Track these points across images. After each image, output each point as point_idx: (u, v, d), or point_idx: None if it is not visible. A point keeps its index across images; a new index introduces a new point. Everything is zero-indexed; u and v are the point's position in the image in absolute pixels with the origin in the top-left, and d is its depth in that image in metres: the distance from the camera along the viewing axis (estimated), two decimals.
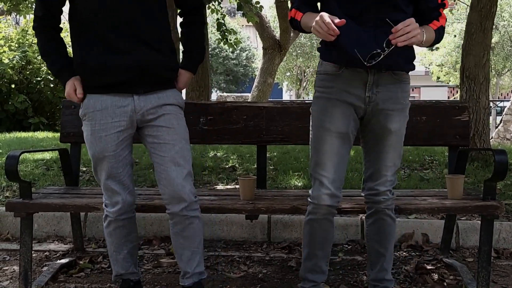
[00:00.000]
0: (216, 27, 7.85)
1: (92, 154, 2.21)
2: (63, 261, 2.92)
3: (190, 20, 2.37)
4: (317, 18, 1.93)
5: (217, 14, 7.66)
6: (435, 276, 2.74)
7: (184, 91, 6.33)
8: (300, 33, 15.77)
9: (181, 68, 2.34)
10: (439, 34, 2.10)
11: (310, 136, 2.19)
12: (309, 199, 2.20)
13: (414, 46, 2.07)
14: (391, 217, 2.27)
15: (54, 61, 2.24)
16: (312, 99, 2.23)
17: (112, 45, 2.12)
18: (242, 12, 7.17)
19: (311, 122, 2.20)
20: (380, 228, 2.28)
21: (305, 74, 25.65)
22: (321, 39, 2.11)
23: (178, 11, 2.42)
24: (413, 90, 27.02)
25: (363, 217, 3.35)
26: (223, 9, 7.93)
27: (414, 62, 2.16)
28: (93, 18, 2.12)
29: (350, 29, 1.98)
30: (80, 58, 2.17)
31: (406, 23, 1.90)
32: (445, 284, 2.65)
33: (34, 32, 2.28)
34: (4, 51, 9.65)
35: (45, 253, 3.16)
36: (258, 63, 20.86)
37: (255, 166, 3.86)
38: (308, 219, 2.22)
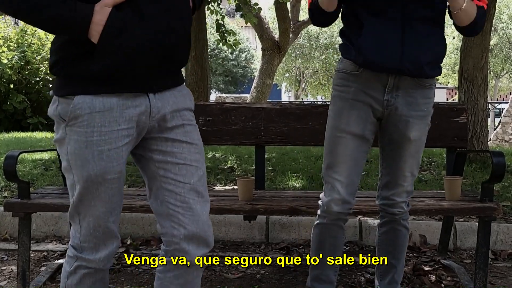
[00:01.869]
0: (215, 28, 7.86)
1: (85, 178, 1.46)
2: (61, 261, 2.91)
3: None
4: None
5: (216, 15, 7.66)
6: (433, 278, 2.74)
7: None
8: (299, 35, 15.76)
9: None
10: (479, 14, 1.91)
11: (325, 137, 2.08)
12: (319, 202, 2.11)
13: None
14: (406, 227, 2.18)
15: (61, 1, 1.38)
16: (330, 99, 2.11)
17: (136, 10, 1.41)
18: (241, 13, 7.18)
19: (327, 123, 2.09)
20: (394, 239, 2.19)
21: (304, 75, 25.68)
22: (341, 34, 2.03)
23: None
24: None
25: (361, 218, 3.36)
26: (222, 10, 7.94)
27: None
28: None
29: (372, 30, 1.89)
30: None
31: None
32: (443, 285, 2.65)
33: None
34: (3, 51, 9.64)
35: (43, 253, 3.16)
36: (257, 64, 20.86)
37: (254, 167, 3.85)
38: (317, 223, 2.13)
